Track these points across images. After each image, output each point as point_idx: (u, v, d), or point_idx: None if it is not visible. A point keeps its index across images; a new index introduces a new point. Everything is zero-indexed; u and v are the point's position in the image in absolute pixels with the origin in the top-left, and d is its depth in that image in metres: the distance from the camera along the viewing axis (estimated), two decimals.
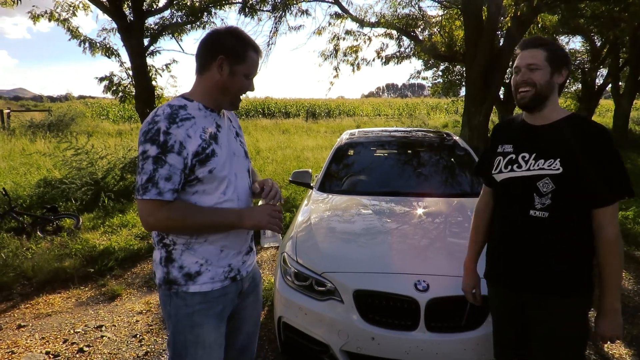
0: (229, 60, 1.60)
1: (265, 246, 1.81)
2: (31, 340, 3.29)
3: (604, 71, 20.81)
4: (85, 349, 3.16)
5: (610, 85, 18.17)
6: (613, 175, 1.62)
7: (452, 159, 4.22)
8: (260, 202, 1.78)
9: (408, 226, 3.11)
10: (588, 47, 20.94)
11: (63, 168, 7.51)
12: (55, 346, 3.21)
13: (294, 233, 3.06)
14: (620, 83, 17.35)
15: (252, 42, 1.66)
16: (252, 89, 1.72)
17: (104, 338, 3.30)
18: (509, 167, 1.81)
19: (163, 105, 1.60)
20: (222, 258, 1.69)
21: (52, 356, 3.08)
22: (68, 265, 4.49)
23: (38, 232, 5.47)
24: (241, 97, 1.73)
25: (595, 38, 18.95)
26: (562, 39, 20.63)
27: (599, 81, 21.44)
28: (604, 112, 32.14)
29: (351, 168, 4.29)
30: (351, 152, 4.47)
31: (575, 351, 1.75)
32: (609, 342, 1.71)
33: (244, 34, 1.67)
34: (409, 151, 4.44)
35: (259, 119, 26.65)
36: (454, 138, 4.57)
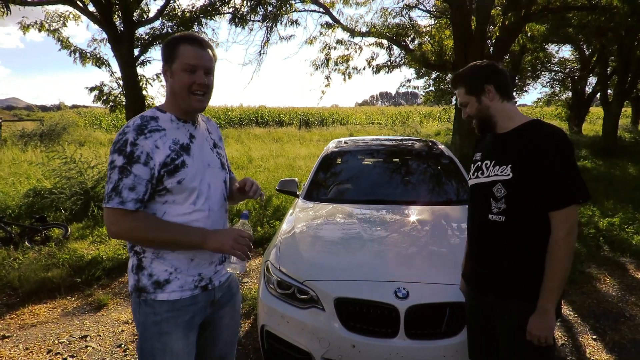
0: (167, 64, 1.65)
1: (228, 270, 1.74)
2: (15, 351, 3.27)
3: (594, 79, 21.11)
4: (69, 359, 3.15)
5: (599, 94, 18.36)
6: (563, 178, 1.65)
7: (437, 168, 4.27)
8: (237, 225, 1.72)
9: (391, 234, 3.14)
10: (577, 56, 21.24)
11: (52, 178, 7.48)
12: (39, 356, 3.20)
13: (278, 242, 3.08)
14: (609, 91, 17.56)
15: (185, 36, 1.65)
16: (200, 81, 1.62)
17: (88, 348, 3.29)
18: (476, 173, 1.94)
19: (136, 116, 1.63)
20: (192, 267, 1.70)
21: None
22: (55, 275, 4.47)
23: (26, 242, 5.44)
24: (198, 94, 1.64)
25: (584, 47, 19.23)
26: (552, 48, 20.92)
27: (589, 89, 21.74)
28: (595, 120, 32.45)
29: (337, 177, 4.32)
30: (337, 160, 4.51)
31: (540, 353, 1.76)
32: (538, 341, 1.69)
33: (180, 34, 1.70)
34: (395, 160, 4.48)
35: (252, 128, 26.68)
36: (440, 147, 4.62)
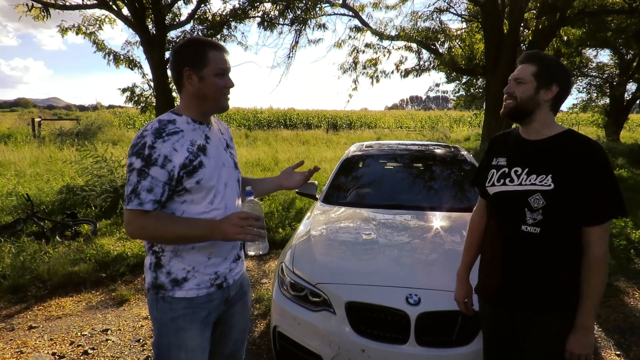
0: (193, 69, 1.66)
1: (250, 254, 1.79)
2: (40, 341, 3.41)
3: (633, 85, 20.33)
4: (90, 351, 3.26)
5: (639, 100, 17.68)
6: (604, 194, 1.61)
7: (459, 174, 4.21)
8: (242, 207, 1.74)
9: (407, 240, 3.12)
10: (617, 61, 20.52)
11: (85, 175, 7.76)
12: (61, 347, 3.32)
13: (294, 244, 3.10)
14: None
15: (210, 42, 1.71)
16: (230, 84, 1.73)
17: (108, 341, 3.40)
18: (502, 180, 1.81)
19: (154, 120, 1.68)
20: (209, 265, 1.75)
21: (58, 357, 3.19)
22: (82, 270, 4.63)
23: (57, 237, 5.66)
24: (227, 96, 1.75)
25: (624, 51, 18.56)
26: (590, 52, 20.30)
27: (628, 95, 20.94)
28: (634, 127, 31.27)
29: (356, 181, 4.32)
30: (357, 164, 4.50)
31: None
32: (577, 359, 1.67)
33: (200, 38, 1.74)
34: (415, 165, 4.44)
35: (281, 130, 26.91)
36: (462, 152, 4.55)
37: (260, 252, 1.77)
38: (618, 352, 3.31)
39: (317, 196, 4.06)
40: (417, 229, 3.28)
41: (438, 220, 3.36)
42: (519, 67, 1.78)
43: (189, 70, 1.66)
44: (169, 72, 8.36)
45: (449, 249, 2.95)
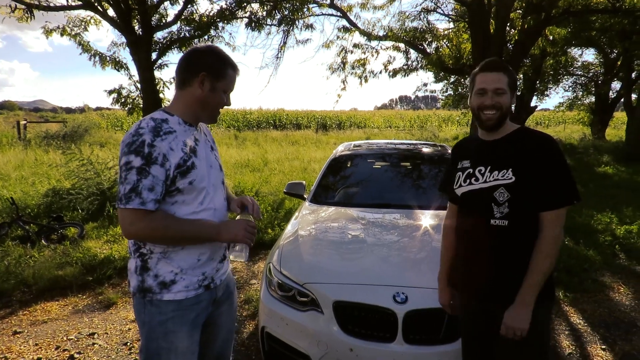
0: (210, 77, 1.69)
1: (231, 259, 1.83)
2: (25, 347, 3.36)
3: (618, 84, 20.60)
4: (76, 355, 3.22)
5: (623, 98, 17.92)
6: (558, 182, 1.71)
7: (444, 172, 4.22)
8: (238, 217, 1.83)
9: (394, 238, 3.13)
10: (602, 60, 20.77)
11: (71, 178, 7.67)
12: (47, 352, 3.27)
13: (281, 244, 3.10)
14: (633, 95, 17.12)
15: (231, 61, 1.76)
16: (228, 103, 1.81)
17: (95, 345, 3.36)
18: (468, 180, 1.91)
19: (146, 118, 1.66)
20: (197, 267, 1.74)
21: None
22: (68, 274, 4.57)
23: (42, 241, 5.58)
24: (220, 111, 1.82)
25: (609, 50, 18.79)
26: (575, 51, 20.52)
27: (613, 94, 21.22)
28: (619, 125, 31.67)
29: (344, 180, 4.32)
30: (345, 164, 4.51)
31: (540, 357, 1.78)
32: (513, 335, 1.73)
33: (224, 52, 1.77)
34: (402, 164, 4.45)
35: (270, 131, 26.86)
36: (448, 151, 4.57)
37: (242, 260, 1.81)
38: (604, 347, 3.35)
39: (305, 196, 4.06)
40: (404, 228, 3.30)
41: (425, 218, 3.37)
42: (492, 76, 1.81)
43: (206, 76, 1.68)
44: (156, 74, 8.35)
45: (435, 247, 2.94)
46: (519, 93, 15.94)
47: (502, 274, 1.81)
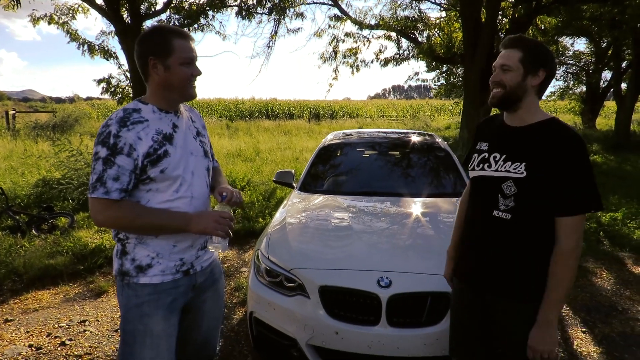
0: (158, 59, 1.66)
1: (210, 249, 1.82)
2: (16, 334, 3.39)
3: (609, 73, 20.71)
4: (67, 342, 3.26)
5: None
6: (578, 186, 1.58)
7: (432, 161, 4.29)
8: (216, 207, 1.83)
9: (380, 225, 3.18)
10: (593, 49, 20.87)
11: (60, 169, 7.64)
12: (38, 339, 3.31)
13: (269, 231, 3.14)
14: (623, 85, 17.25)
15: (175, 30, 1.71)
16: (197, 72, 1.75)
17: (86, 332, 3.40)
18: (481, 165, 1.82)
19: (119, 109, 1.69)
20: (174, 252, 1.77)
21: (34, 349, 3.18)
22: (59, 263, 4.59)
23: (33, 231, 5.59)
24: (194, 85, 1.76)
25: (600, 39, 18.87)
26: (567, 41, 20.59)
27: (604, 83, 21.37)
28: (610, 114, 31.89)
29: (332, 169, 4.37)
30: (333, 153, 4.55)
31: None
32: (541, 357, 1.63)
33: (164, 26, 1.74)
34: (390, 152, 4.51)
35: (262, 121, 26.78)
36: (437, 140, 4.63)
37: (220, 251, 1.81)
38: (584, 329, 3.45)
39: (294, 185, 4.10)
40: (390, 215, 3.35)
41: (411, 206, 3.43)
42: (503, 52, 1.72)
43: (154, 59, 1.66)
44: None
45: (420, 233, 3.02)
46: None
47: (494, 266, 1.76)
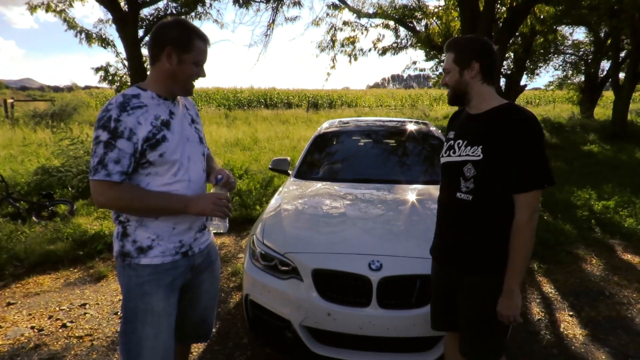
0: (177, 50, 1.73)
1: (211, 230, 1.92)
2: (18, 316, 3.49)
3: (608, 63, 20.67)
4: (68, 324, 3.36)
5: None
6: (530, 164, 1.72)
7: (425, 148, 4.36)
8: (212, 190, 1.91)
9: (373, 211, 3.26)
10: (592, 38, 20.79)
11: (60, 157, 7.70)
12: (40, 322, 3.41)
13: (265, 217, 3.22)
14: (621, 75, 17.24)
15: (198, 31, 1.79)
16: (203, 75, 1.85)
17: (86, 315, 3.50)
18: (448, 152, 2.00)
19: (118, 94, 1.75)
20: (173, 235, 1.85)
21: (36, 330, 3.28)
22: (59, 248, 4.68)
23: (33, 218, 5.67)
24: (193, 83, 1.86)
25: (599, 29, 18.80)
26: (566, 30, 20.49)
27: (603, 73, 21.32)
28: (609, 104, 31.84)
29: (327, 156, 4.43)
30: (329, 141, 4.61)
31: (496, 326, 1.88)
32: (508, 321, 1.79)
33: (190, 24, 1.81)
34: (384, 140, 4.57)
35: (261, 110, 26.74)
36: (430, 128, 4.69)
37: (221, 231, 1.91)
38: (571, 313, 3.55)
39: (289, 172, 4.17)
40: (382, 201, 3.43)
41: (404, 192, 3.50)
42: (444, 57, 1.94)
43: (172, 49, 1.72)
44: (143, 51, 8.30)
45: (410, 218, 3.10)
46: (508, 72, 16.01)
47: (458, 244, 1.93)
